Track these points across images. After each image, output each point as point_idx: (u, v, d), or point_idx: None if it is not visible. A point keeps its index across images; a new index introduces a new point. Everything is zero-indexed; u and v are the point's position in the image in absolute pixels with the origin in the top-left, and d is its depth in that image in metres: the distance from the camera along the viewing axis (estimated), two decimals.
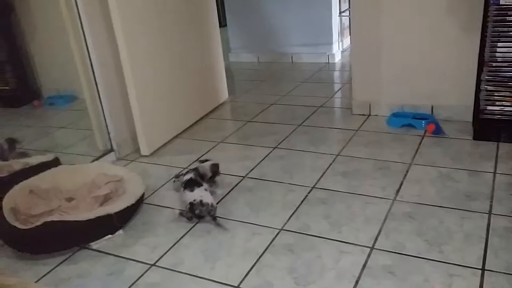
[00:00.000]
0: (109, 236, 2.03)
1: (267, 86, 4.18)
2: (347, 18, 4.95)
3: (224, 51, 3.81)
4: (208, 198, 2.10)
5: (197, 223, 2.09)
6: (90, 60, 2.64)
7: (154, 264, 1.85)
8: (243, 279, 1.72)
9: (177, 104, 3.11)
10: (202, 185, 2.17)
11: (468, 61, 2.67)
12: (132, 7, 2.62)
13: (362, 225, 1.96)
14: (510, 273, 1.61)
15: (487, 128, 2.61)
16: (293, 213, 2.10)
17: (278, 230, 1.99)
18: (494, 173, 2.28)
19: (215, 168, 2.34)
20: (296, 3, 4.67)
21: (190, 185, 2.16)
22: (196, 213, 2.07)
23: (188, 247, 1.94)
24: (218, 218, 2.07)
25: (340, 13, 4.81)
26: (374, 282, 1.64)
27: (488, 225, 1.88)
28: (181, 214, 2.13)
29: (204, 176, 2.28)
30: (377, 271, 1.69)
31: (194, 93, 3.31)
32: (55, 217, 1.97)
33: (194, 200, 2.07)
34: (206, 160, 2.39)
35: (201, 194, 2.10)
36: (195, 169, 2.29)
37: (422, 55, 2.89)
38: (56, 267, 1.89)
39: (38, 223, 1.91)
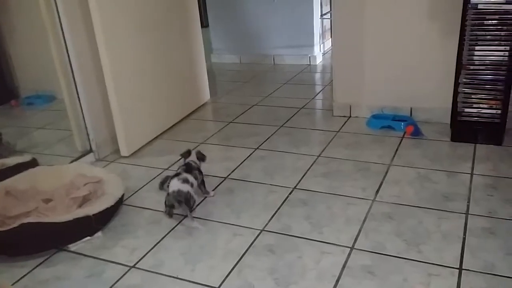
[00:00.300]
0: (88, 238, 2.00)
1: (249, 87, 4.18)
2: (329, 20, 4.99)
3: (206, 52, 3.80)
4: (186, 187, 2.08)
5: (178, 224, 2.08)
6: (69, 60, 2.60)
7: (133, 266, 1.83)
8: (223, 281, 1.71)
9: (158, 105, 3.09)
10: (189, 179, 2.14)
11: (447, 64, 2.72)
12: (113, 7, 2.60)
13: (343, 226, 1.98)
14: (487, 272, 1.64)
15: (464, 130, 2.65)
16: (274, 214, 2.10)
17: (259, 231, 1.99)
18: (471, 174, 2.32)
19: (200, 155, 2.35)
20: (278, 5, 4.69)
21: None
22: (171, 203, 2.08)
23: (169, 249, 1.92)
24: (194, 211, 2.10)
25: (321, 15, 4.84)
26: (354, 282, 1.65)
27: (466, 225, 1.92)
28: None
29: (199, 168, 2.29)
30: (357, 271, 1.70)
31: (175, 94, 3.29)
32: (32, 219, 1.93)
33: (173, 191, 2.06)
34: (187, 153, 2.34)
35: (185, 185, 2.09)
36: (187, 166, 2.24)
37: (402, 58, 2.93)
38: (33, 269, 1.85)
39: (15, 225, 1.87)
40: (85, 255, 1.92)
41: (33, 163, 2.51)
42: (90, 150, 2.79)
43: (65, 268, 1.85)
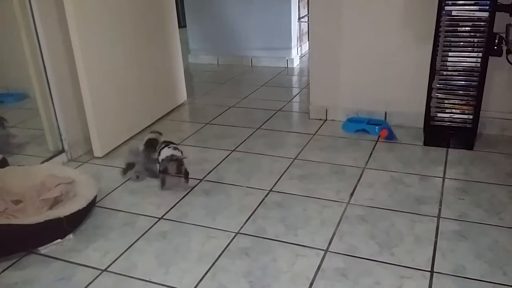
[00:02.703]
0: (59, 240, 1.96)
1: (227, 89, 4.17)
2: (306, 24, 5.02)
3: (183, 52, 3.77)
4: (178, 153, 2.31)
5: (151, 227, 2.05)
6: (42, 57, 2.54)
7: (105, 270, 1.80)
8: (197, 284, 1.70)
9: (133, 105, 3.05)
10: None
11: (421, 70, 2.77)
12: (88, 5, 2.55)
13: (317, 228, 1.99)
14: (458, 275, 1.68)
15: (437, 134, 2.70)
16: (249, 217, 2.10)
17: (234, 234, 1.98)
18: (443, 178, 2.37)
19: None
20: (256, 7, 4.69)
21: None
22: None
23: (142, 252, 1.89)
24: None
25: (299, 18, 4.87)
26: (327, 285, 1.66)
27: (437, 228, 1.95)
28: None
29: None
30: (330, 274, 1.71)
31: (151, 94, 3.25)
32: (1, 220, 1.88)
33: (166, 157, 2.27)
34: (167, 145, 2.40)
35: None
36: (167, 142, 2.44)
37: (377, 62, 2.97)
38: (1, 272, 1.80)
39: None
40: (55, 258, 1.87)
41: (2, 163, 2.44)
42: (62, 150, 2.74)
43: (34, 272, 1.80)
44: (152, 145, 2.49)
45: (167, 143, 2.39)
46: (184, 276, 1.74)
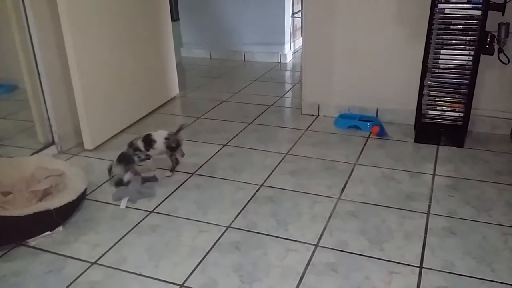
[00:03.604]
0: (48, 232, 1.94)
1: (219, 83, 4.16)
2: (300, 19, 5.01)
3: (176, 45, 3.75)
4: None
5: (142, 220, 2.05)
6: (33, 49, 2.51)
7: (95, 262, 1.79)
8: (187, 278, 1.69)
9: (124, 98, 3.03)
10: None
11: (413, 67, 2.78)
12: None
13: (308, 223, 1.99)
14: (446, 271, 1.69)
15: (428, 131, 2.72)
16: (241, 211, 2.10)
17: (225, 228, 1.98)
18: (434, 174, 2.38)
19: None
20: (250, 1, 4.67)
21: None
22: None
23: (132, 245, 1.89)
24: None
25: (292, 14, 4.86)
26: (317, 279, 1.66)
27: (427, 224, 1.97)
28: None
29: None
30: (320, 269, 1.72)
31: (143, 87, 3.23)
32: None
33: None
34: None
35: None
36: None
37: (370, 59, 2.98)
38: None
39: None
40: (45, 251, 1.86)
41: None
42: (53, 143, 2.71)
43: (23, 264, 1.79)
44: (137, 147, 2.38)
45: (148, 134, 2.40)
46: (174, 269, 1.74)
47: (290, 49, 4.93)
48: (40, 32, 2.50)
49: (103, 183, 2.37)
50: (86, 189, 2.18)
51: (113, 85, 2.90)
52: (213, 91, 3.89)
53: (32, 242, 1.90)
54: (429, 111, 2.69)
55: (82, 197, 2.15)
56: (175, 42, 3.67)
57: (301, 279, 1.67)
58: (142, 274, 1.72)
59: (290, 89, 3.96)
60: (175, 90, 3.70)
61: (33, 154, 2.59)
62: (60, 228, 1.99)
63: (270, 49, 4.81)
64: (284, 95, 3.76)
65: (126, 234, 1.96)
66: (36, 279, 1.70)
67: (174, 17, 4.87)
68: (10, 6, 2.46)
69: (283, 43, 4.78)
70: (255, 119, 3.20)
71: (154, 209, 2.13)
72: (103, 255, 1.83)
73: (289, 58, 4.86)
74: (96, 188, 2.32)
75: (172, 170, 2.43)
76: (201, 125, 3.14)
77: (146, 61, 3.25)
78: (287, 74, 4.51)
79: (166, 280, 1.68)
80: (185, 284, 1.66)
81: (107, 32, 2.79)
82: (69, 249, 1.87)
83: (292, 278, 1.67)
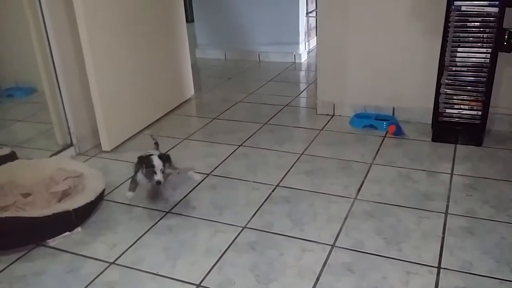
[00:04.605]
0: (67, 233, 1.97)
1: (234, 84, 4.17)
2: (314, 18, 5.00)
3: (191, 47, 3.77)
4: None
5: (159, 220, 2.06)
6: (50, 52, 2.55)
7: (113, 262, 1.81)
8: (204, 277, 1.70)
9: (140, 99, 3.06)
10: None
11: (429, 65, 2.75)
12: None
13: (324, 223, 1.99)
14: (465, 271, 1.67)
15: (445, 130, 2.69)
16: (256, 211, 2.10)
17: (241, 228, 1.99)
18: (451, 174, 2.35)
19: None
20: (264, 2, 4.67)
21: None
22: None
23: (149, 245, 1.91)
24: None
25: (307, 13, 4.85)
26: (334, 279, 1.66)
27: (445, 224, 1.94)
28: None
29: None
30: (337, 269, 1.71)
31: (159, 89, 3.26)
32: (10, 213, 1.90)
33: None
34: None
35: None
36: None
37: (385, 57, 2.96)
38: (10, 264, 1.82)
39: None
40: (64, 251, 1.89)
41: (12, 157, 2.46)
42: (71, 144, 2.75)
43: (43, 264, 1.82)
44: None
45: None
46: (191, 269, 1.75)
47: (305, 48, 4.92)
48: (58, 35, 2.54)
49: (120, 184, 2.40)
50: (104, 189, 2.21)
51: (130, 87, 2.93)
52: (228, 91, 3.91)
53: (52, 242, 1.93)
54: (446, 109, 2.66)
55: (100, 198, 2.18)
56: (190, 44, 3.69)
57: (317, 279, 1.67)
58: (159, 274, 1.74)
59: (305, 89, 3.95)
60: (190, 91, 3.73)
61: (51, 156, 2.63)
62: (79, 228, 2.01)
63: (285, 49, 4.80)
64: (299, 95, 3.75)
65: (144, 234, 1.98)
66: (55, 279, 1.73)
67: (189, 19, 4.91)
68: (28, 9, 2.50)
69: (297, 43, 4.77)
70: (270, 119, 3.21)
71: (171, 209, 2.15)
72: (121, 255, 1.85)
73: (303, 57, 4.85)
74: (114, 189, 2.35)
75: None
76: (216, 125, 3.15)
77: (161, 63, 3.28)
78: (302, 73, 4.51)
79: (183, 280, 1.70)
80: (202, 284, 1.67)
81: (123, 35, 2.82)
82: (87, 249, 1.90)
83: (308, 278, 1.67)
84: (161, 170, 2.07)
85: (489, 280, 1.62)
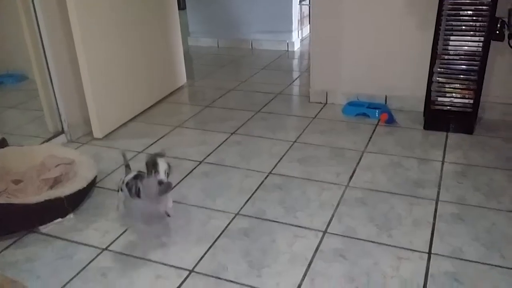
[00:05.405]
0: (59, 220, 1.97)
1: (226, 72, 4.15)
2: (307, 6, 4.98)
3: (183, 34, 3.74)
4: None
5: None
6: (41, 39, 2.52)
7: (105, 249, 1.81)
8: (197, 263, 1.71)
9: (132, 87, 3.04)
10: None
11: (422, 54, 2.75)
12: None
13: (316, 210, 2.00)
14: (455, 257, 1.69)
15: (437, 118, 2.70)
16: (249, 198, 2.11)
17: (234, 215, 1.99)
18: (443, 162, 2.37)
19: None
20: None
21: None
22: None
23: (142, 232, 1.90)
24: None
25: (300, 1, 4.82)
26: (326, 265, 1.67)
27: (436, 211, 1.96)
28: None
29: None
30: (329, 255, 1.73)
31: (151, 76, 3.24)
32: (2, 200, 1.89)
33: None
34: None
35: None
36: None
37: (378, 46, 2.95)
38: (2, 250, 1.82)
39: None
40: (56, 237, 1.89)
41: (2, 143, 2.44)
42: (62, 131, 2.74)
43: (35, 250, 1.81)
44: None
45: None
46: (184, 255, 1.75)
47: (298, 36, 4.91)
48: (48, 21, 2.51)
49: (112, 171, 2.39)
50: (96, 177, 2.20)
51: (121, 74, 2.91)
52: (220, 79, 3.89)
53: (44, 229, 1.93)
54: (438, 98, 2.67)
55: (92, 184, 2.17)
56: (182, 31, 3.66)
57: (309, 265, 1.68)
58: (152, 259, 1.74)
59: (298, 77, 3.94)
60: (182, 79, 3.71)
61: (43, 143, 2.61)
62: (71, 215, 2.01)
63: (278, 37, 4.78)
64: (292, 83, 3.75)
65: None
66: (48, 265, 1.73)
67: (181, 6, 4.86)
68: None
69: (290, 31, 4.75)
70: (263, 107, 3.20)
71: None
72: (113, 241, 1.85)
73: (296, 46, 4.84)
74: (106, 176, 2.34)
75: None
76: (208, 113, 3.14)
77: (153, 50, 3.25)
78: (295, 62, 4.50)
79: (176, 265, 1.70)
80: (195, 270, 1.68)
81: (114, 22, 2.79)
82: (80, 236, 1.89)
83: (300, 264, 1.68)
84: (165, 171, 1.77)
85: (479, 265, 1.65)
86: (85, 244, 1.84)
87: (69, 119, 2.73)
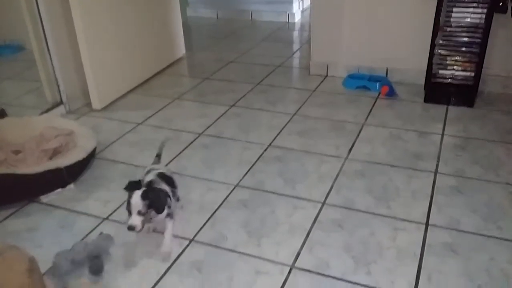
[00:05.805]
0: (60, 190, 1.98)
1: (226, 44, 4.11)
2: None
3: (182, 5, 3.68)
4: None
5: None
6: (38, 8, 2.48)
7: (106, 218, 1.83)
8: (197, 233, 1.73)
9: (131, 58, 3.01)
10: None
11: (424, 27, 2.71)
12: None
13: (315, 182, 2.01)
14: (452, 228, 1.71)
15: (438, 91, 2.69)
16: (248, 170, 2.12)
17: (233, 186, 2.00)
18: (442, 134, 2.37)
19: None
20: None
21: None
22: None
23: None
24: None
25: None
26: (324, 235, 1.69)
27: (434, 183, 1.97)
28: None
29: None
30: (327, 225, 1.74)
31: (149, 47, 3.20)
32: (2, 170, 1.89)
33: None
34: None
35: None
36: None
37: (380, 18, 2.91)
38: (3, 220, 1.83)
39: None
40: (57, 207, 1.90)
41: (1, 114, 2.43)
42: (61, 102, 2.72)
43: (36, 219, 1.83)
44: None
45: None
46: (184, 226, 1.77)
47: (299, 8, 4.83)
48: None
49: (112, 143, 2.39)
50: (95, 148, 2.20)
51: (120, 46, 2.88)
52: (220, 51, 3.85)
53: (45, 199, 1.94)
54: (439, 70, 2.65)
55: (92, 155, 2.17)
56: (180, 2, 3.60)
57: (308, 235, 1.70)
58: (153, 230, 1.75)
59: (298, 49, 3.90)
60: (181, 50, 3.67)
61: (41, 114, 2.60)
62: (72, 185, 2.02)
63: (278, 8, 4.71)
64: (292, 55, 3.71)
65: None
66: (49, 234, 1.75)
67: None
68: None
69: (291, 2, 4.67)
70: (262, 79, 3.18)
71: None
72: (114, 211, 1.86)
73: (297, 17, 4.77)
74: (106, 148, 2.34)
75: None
76: (208, 86, 3.12)
77: (151, 21, 3.20)
78: (295, 34, 4.44)
79: (177, 235, 1.72)
80: (195, 239, 1.70)
81: None
82: (80, 206, 1.91)
83: (299, 234, 1.70)
84: (138, 211, 1.52)
85: (476, 236, 1.67)
86: (86, 214, 1.86)
87: (67, 90, 2.71)
